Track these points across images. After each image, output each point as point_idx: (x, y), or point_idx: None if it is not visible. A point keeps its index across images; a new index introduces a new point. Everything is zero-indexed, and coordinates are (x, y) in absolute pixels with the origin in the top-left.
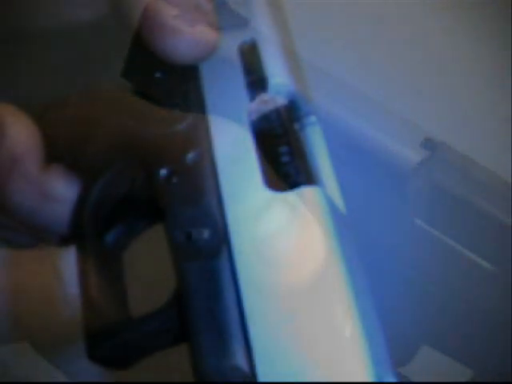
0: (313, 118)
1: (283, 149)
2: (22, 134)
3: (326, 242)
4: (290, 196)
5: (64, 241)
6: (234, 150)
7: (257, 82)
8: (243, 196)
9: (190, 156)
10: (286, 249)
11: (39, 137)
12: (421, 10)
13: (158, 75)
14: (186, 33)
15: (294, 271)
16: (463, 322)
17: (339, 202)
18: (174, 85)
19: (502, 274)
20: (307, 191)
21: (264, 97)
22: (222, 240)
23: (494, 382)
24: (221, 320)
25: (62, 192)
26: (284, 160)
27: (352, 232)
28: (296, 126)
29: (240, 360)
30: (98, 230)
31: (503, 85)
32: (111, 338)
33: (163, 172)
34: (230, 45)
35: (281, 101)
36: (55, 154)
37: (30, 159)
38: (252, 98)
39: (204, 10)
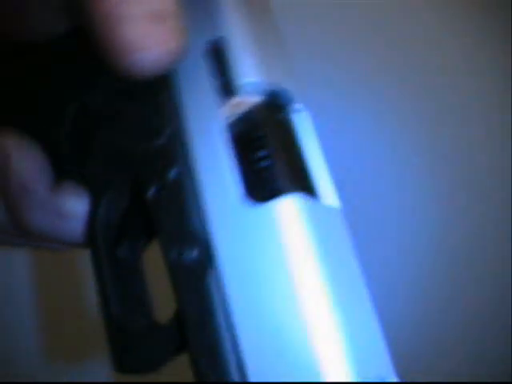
0: (298, 106)
1: (262, 153)
2: (28, 162)
3: (305, 254)
4: (268, 207)
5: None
6: (212, 162)
7: (227, 84)
8: (224, 210)
9: (173, 172)
10: (266, 262)
11: (44, 159)
12: (421, 8)
13: (128, 89)
14: (144, 49)
15: (276, 284)
16: (463, 322)
17: (330, 196)
18: (146, 97)
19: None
20: (285, 201)
21: (236, 99)
22: (209, 257)
23: (493, 381)
24: (212, 335)
25: (74, 209)
26: (263, 165)
27: (345, 233)
28: (280, 117)
29: (232, 373)
30: (110, 242)
31: (503, 84)
32: (135, 350)
33: (150, 190)
34: (199, 46)
35: (255, 100)
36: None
37: (39, 185)
38: (224, 101)
39: (164, 14)
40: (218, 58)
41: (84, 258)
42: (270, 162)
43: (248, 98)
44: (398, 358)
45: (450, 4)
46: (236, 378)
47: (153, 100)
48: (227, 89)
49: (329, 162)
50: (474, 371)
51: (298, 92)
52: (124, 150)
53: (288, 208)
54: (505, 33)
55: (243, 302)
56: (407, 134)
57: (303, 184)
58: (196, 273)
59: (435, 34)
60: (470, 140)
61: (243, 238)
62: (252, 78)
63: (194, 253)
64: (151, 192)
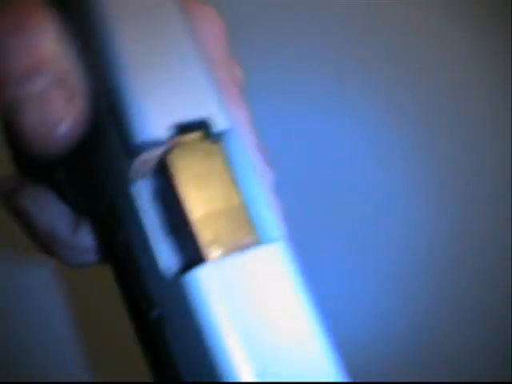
0: (222, 127)
1: (179, 211)
2: (45, 211)
3: (216, 316)
4: (186, 279)
5: None
6: (139, 227)
7: (127, 143)
8: (158, 278)
9: (120, 235)
10: (195, 323)
11: (60, 203)
12: (419, 7)
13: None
14: (51, 129)
15: (199, 335)
16: (461, 322)
17: (268, 229)
18: (79, 163)
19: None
20: (198, 273)
21: (142, 156)
22: (165, 317)
23: (494, 381)
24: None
25: (95, 243)
26: (181, 223)
27: (279, 273)
28: (197, 152)
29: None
30: None
31: (503, 84)
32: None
33: (115, 248)
34: (101, 103)
35: (161, 150)
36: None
37: (60, 229)
38: (132, 161)
39: (59, 79)
40: (113, 115)
41: None
42: (186, 219)
43: (154, 151)
44: (397, 358)
45: (449, 2)
46: None
47: (84, 165)
48: (129, 148)
49: (321, 163)
50: (474, 371)
51: (220, 112)
52: (92, 206)
53: (200, 280)
54: (505, 32)
55: (187, 353)
56: (400, 134)
57: (227, 236)
58: (158, 328)
59: (434, 33)
60: (465, 139)
61: (178, 304)
62: (148, 131)
63: (154, 313)
64: (116, 249)
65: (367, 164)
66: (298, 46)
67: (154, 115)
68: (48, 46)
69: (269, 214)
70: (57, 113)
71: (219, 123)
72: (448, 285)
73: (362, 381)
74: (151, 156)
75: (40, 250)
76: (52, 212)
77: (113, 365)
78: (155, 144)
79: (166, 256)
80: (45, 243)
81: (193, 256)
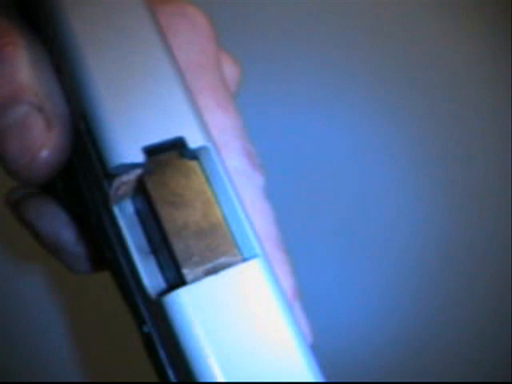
0: (197, 144)
1: (157, 235)
2: (50, 224)
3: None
4: (164, 301)
5: None
6: (123, 249)
7: (104, 168)
8: (143, 299)
9: (109, 254)
10: (175, 337)
11: (64, 214)
12: (421, 9)
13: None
14: (32, 158)
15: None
16: (463, 322)
17: (253, 242)
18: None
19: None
20: (173, 297)
21: (120, 179)
22: (152, 333)
23: (494, 381)
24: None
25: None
26: (160, 244)
27: (255, 292)
28: (174, 172)
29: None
30: None
31: (503, 84)
32: None
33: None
34: (79, 126)
35: (139, 171)
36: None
37: (65, 240)
38: (110, 184)
39: (38, 106)
40: (90, 139)
41: None
42: (165, 239)
43: (131, 173)
44: (396, 358)
45: (450, 5)
46: None
47: (74, 183)
48: (106, 171)
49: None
50: (474, 371)
51: (196, 129)
52: (86, 221)
53: (179, 302)
54: (505, 33)
55: (176, 370)
56: (399, 134)
57: (207, 255)
58: (149, 340)
59: (434, 33)
60: (461, 139)
61: (162, 323)
62: (123, 156)
63: (145, 328)
64: (108, 265)
65: (361, 165)
66: (292, 47)
67: (127, 140)
68: (25, 73)
69: (249, 230)
70: (38, 139)
71: (195, 140)
72: (447, 284)
73: (362, 381)
74: (129, 177)
75: (49, 254)
76: (56, 223)
77: (113, 365)
78: (131, 167)
79: (149, 276)
80: (51, 251)
81: (173, 276)
